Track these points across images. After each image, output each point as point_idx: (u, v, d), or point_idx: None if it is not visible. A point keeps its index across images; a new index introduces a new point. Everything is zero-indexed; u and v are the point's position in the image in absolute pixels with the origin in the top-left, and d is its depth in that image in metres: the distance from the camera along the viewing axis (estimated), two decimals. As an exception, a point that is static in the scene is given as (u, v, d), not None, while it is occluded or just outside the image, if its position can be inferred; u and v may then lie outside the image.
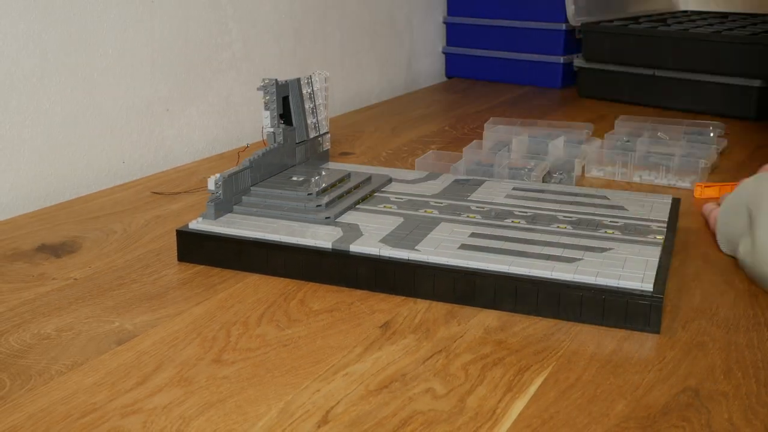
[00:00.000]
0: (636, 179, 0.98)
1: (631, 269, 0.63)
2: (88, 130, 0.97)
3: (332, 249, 0.67)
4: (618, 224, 0.73)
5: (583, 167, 1.00)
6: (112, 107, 1.00)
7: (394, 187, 0.84)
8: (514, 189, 0.83)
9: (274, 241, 0.69)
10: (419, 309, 0.63)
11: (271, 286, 0.67)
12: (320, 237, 0.69)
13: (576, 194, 0.82)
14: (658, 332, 0.59)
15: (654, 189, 0.95)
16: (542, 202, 0.79)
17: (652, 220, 0.74)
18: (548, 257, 0.65)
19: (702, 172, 0.95)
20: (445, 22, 1.72)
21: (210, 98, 1.14)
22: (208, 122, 1.15)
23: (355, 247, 0.67)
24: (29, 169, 0.91)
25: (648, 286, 0.60)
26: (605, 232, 0.71)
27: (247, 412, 0.49)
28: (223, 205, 0.73)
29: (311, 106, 0.86)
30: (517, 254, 0.65)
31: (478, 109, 1.41)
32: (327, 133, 0.91)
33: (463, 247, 0.67)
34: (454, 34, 1.72)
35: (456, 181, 0.86)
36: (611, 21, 1.53)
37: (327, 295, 0.66)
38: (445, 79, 1.75)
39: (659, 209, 0.77)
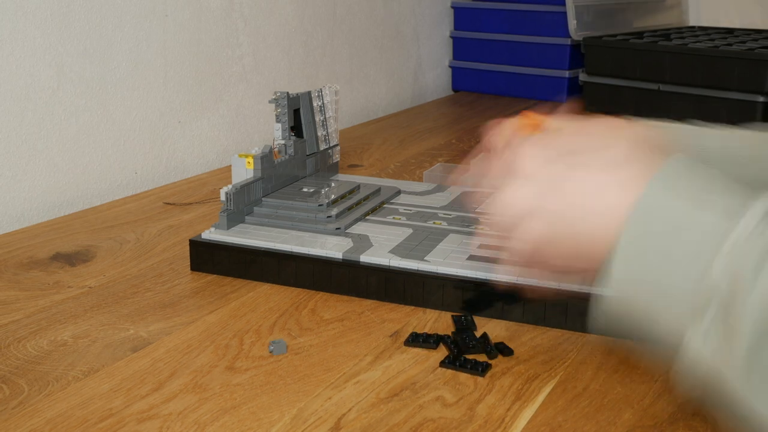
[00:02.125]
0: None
1: None
2: (101, 141, 0.98)
3: (343, 259, 0.68)
4: None
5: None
6: (125, 119, 1.01)
7: (402, 198, 0.85)
8: None
9: (285, 251, 0.70)
10: (428, 318, 0.64)
11: (283, 295, 0.68)
12: (331, 247, 0.70)
13: None
14: None
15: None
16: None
17: None
18: None
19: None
20: (451, 36, 1.74)
21: (221, 110, 1.16)
22: (219, 134, 1.16)
23: (366, 258, 0.68)
24: (44, 179, 0.92)
25: None
26: None
27: (261, 418, 0.50)
28: (235, 216, 0.75)
29: (321, 118, 0.88)
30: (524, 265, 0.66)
31: (484, 123, 1.42)
32: (337, 145, 0.92)
33: (472, 257, 0.68)
34: (460, 48, 1.73)
35: (464, 193, 0.87)
36: (614, 36, 1.54)
37: (337, 305, 0.67)
38: (451, 92, 1.77)
39: None
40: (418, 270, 0.66)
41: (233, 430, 0.49)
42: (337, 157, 0.92)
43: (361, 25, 1.47)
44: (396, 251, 0.69)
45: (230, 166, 0.82)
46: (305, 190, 0.81)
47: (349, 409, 0.51)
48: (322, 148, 0.89)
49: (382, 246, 0.70)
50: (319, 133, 0.88)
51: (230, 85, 1.17)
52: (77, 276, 0.72)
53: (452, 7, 1.73)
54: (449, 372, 0.56)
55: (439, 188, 0.89)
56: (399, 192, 0.86)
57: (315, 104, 0.87)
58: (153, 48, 1.04)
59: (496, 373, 0.56)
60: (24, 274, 0.72)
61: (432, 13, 1.68)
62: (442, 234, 0.74)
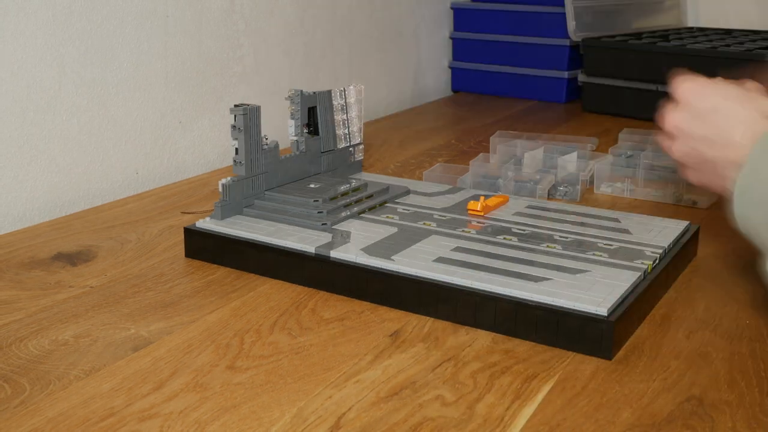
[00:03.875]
0: (644, 196, 0.97)
1: (595, 293, 0.61)
2: (102, 141, 0.99)
3: (315, 254, 0.69)
4: (611, 247, 0.71)
5: (589, 181, 1.00)
6: (127, 119, 1.02)
7: (409, 198, 0.84)
8: (527, 207, 0.82)
9: (263, 242, 0.72)
10: (427, 319, 0.65)
11: (283, 294, 0.69)
12: (306, 241, 0.71)
13: (586, 215, 0.80)
14: (609, 358, 0.58)
15: (667, 206, 0.94)
16: (547, 221, 0.78)
17: (649, 246, 0.71)
18: (518, 275, 0.64)
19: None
20: (451, 37, 1.75)
21: (222, 111, 1.16)
22: (220, 134, 1.16)
23: (336, 254, 0.69)
24: (45, 179, 0.92)
25: (603, 311, 0.58)
26: (593, 254, 0.69)
27: (261, 417, 0.51)
28: (232, 207, 0.77)
29: (344, 117, 0.89)
30: (487, 270, 0.65)
31: (483, 123, 1.43)
32: (360, 143, 0.92)
33: (439, 260, 0.67)
34: (460, 48, 1.74)
35: (474, 196, 0.85)
36: (613, 36, 1.55)
37: (337, 304, 0.67)
38: (451, 93, 1.77)
39: (666, 234, 0.74)
40: (383, 269, 0.67)
41: (234, 429, 0.49)
42: (360, 156, 0.93)
43: (361, 25, 1.47)
44: (368, 249, 0.69)
45: (231, 166, 0.83)
46: (312, 186, 0.81)
47: (349, 408, 0.52)
48: (340, 146, 0.89)
49: (357, 243, 0.71)
50: (338, 132, 0.88)
51: (231, 86, 1.17)
52: (78, 276, 0.73)
53: (452, 7, 1.73)
54: (449, 371, 0.56)
55: (452, 190, 0.88)
56: (408, 191, 0.86)
57: (336, 103, 0.87)
58: (154, 49, 1.04)
59: (495, 372, 0.56)
60: (25, 274, 0.73)
61: (432, 13, 1.69)
62: (425, 235, 0.73)
